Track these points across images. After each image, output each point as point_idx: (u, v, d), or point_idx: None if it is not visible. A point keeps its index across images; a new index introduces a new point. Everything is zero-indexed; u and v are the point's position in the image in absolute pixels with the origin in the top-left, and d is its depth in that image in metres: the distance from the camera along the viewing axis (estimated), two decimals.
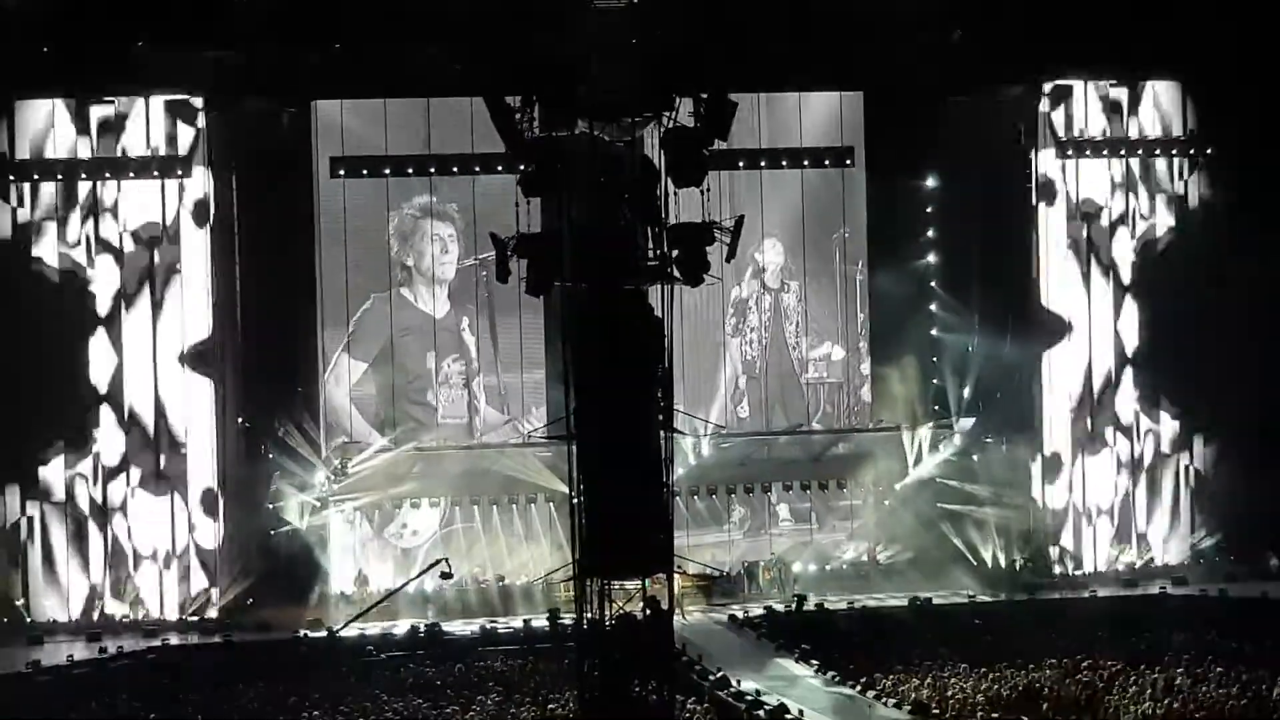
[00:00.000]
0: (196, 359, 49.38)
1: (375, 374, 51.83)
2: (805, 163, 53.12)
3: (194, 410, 49.49)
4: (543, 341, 51.07)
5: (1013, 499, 52.25)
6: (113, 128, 49.02)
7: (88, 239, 49.14)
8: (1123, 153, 52.57)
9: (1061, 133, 52.07)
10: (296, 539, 49.94)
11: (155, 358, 49.30)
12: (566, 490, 29.51)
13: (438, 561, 47.30)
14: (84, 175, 48.88)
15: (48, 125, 48.90)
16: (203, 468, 49.53)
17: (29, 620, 48.66)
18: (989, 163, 51.88)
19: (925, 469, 52.65)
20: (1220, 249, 52.76)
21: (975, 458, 52.74)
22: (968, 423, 52.81)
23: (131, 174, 48.98)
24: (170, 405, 49.38)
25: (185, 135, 49.21)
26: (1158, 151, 52.83)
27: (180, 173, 49.11)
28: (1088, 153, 52.28)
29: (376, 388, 51.82)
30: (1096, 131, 52.28)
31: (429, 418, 52.03)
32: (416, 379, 52.12)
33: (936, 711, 37.48)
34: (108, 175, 48.94)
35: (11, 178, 48.87)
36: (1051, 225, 52.35)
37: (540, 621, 47.23)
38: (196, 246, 49.42)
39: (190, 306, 49.38)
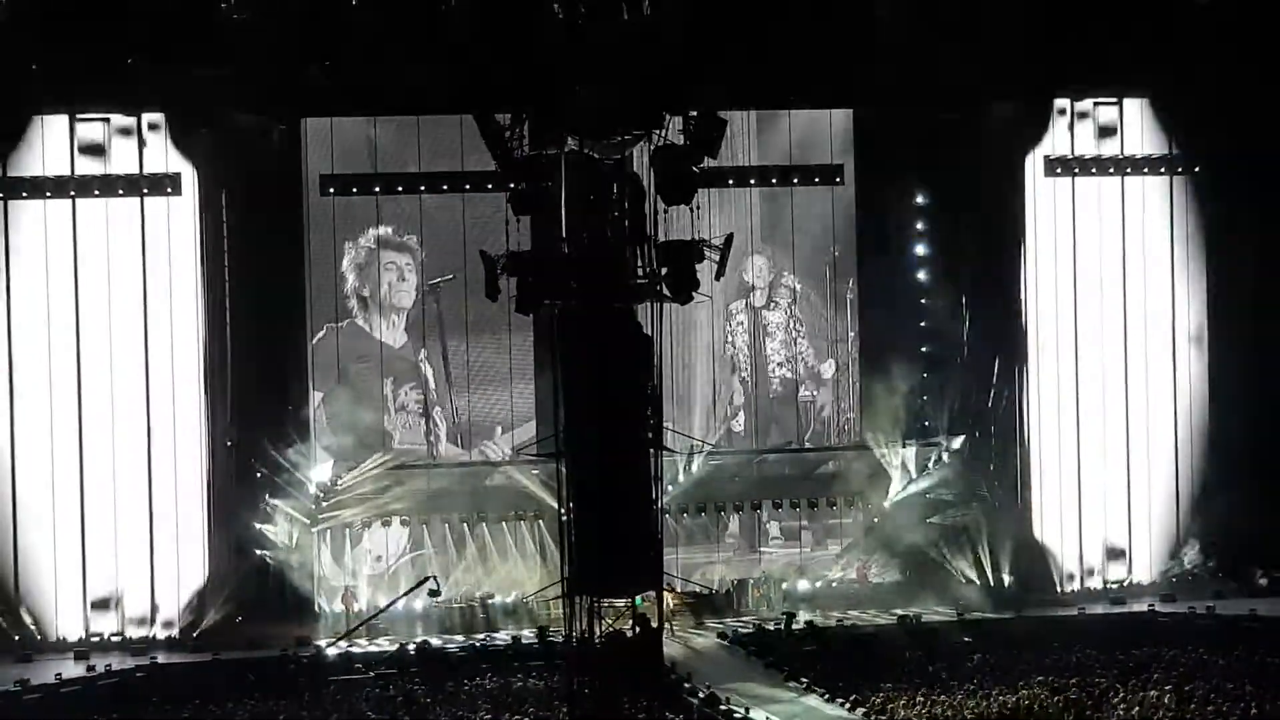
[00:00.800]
0: (184, 377, 49.27)
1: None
2: (795, 180, 53.11)
3: (182, 429, 49.37)
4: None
5: (1001, 516, 52.21)
6: (103, 145, 48.94)
7: (75, 257, 49.01)
8: (1111, 170, 52.63)
9: (1051, 151, 52.15)
10: (285, 557, 49.86)
11: (146, 375, 49.18)
12: (557, 507, 29.51)
13: (426, 579, 47.28)
14: (73, 193, 48.78)
15: (37, 142, 48.79)
16: (191, 486, 49.41)
17: (16, 639, 48.50)
18: (979, 180, 51.83)
19: (913, 487, 52.63)
20: (1211, 264, 52.95)
21: (964, 475, 52.67)
22: (957, 440, 52.81)
23: (120, 191, 48.90)
24: (159, 424, 49.27)
25: (175, 153, 49.13)
26: (1145, 170, 52.91)
27: (170, 190, 49.03)
28: (1076, 171, 52.36)
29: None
30: (1085, 150, 52.35)
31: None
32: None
33: None
34: (97, 193, 48.85)
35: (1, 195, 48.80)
36: (1041, 242, 52.36)
37: (530, 639, 47.21)
38: (186, 265, 49.32)
39: (179, 323, 49.26)
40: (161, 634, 48.98)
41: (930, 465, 52.81)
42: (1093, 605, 50.96)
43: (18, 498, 48.95)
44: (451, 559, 50.95)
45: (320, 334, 51.58)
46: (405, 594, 48.40)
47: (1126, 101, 52.74)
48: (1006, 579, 51.79)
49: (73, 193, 48.82)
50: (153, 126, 49.02)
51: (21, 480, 48.98)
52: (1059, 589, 52.07)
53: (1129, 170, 52.88)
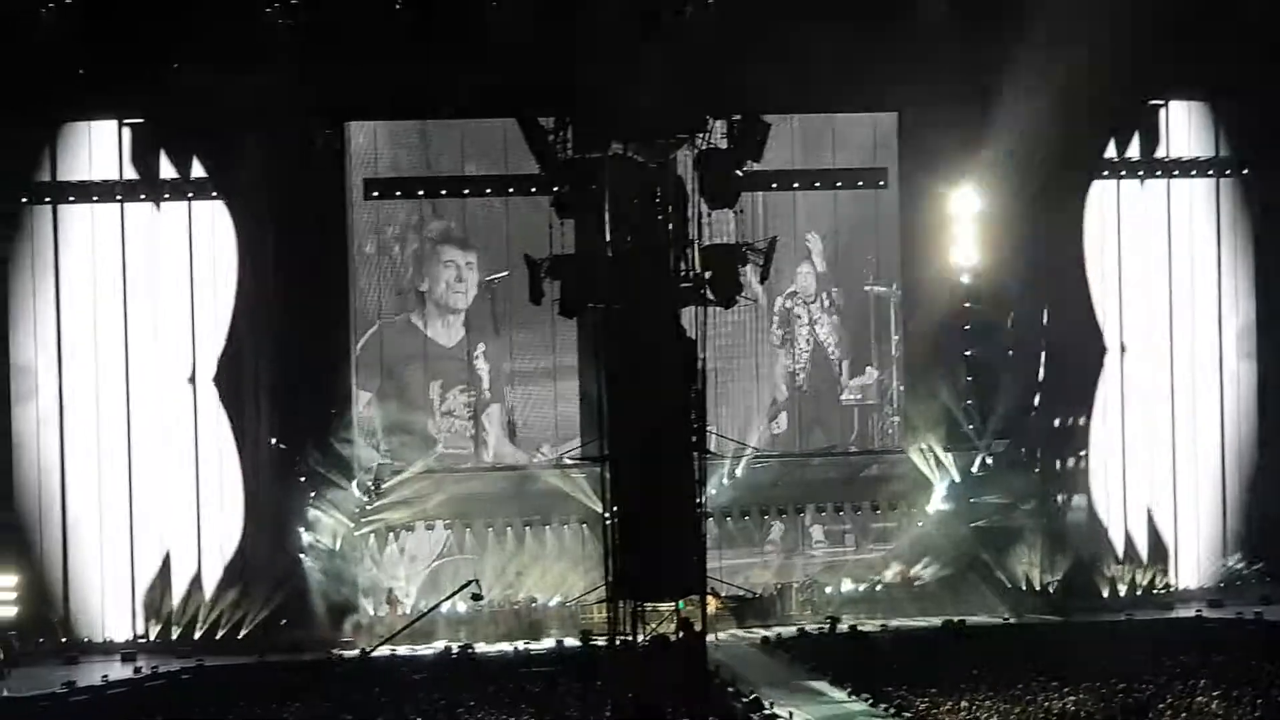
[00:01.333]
0: (229, 380, 49.43)
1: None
2: (838, 184, 52.99)
3: (227, 431, 49.53)
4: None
5: (1047, 520, 52.04)
6: (148, 151, 49.12)
7: (123, 261, 49.21)
8: (1159, 173, 52.42)
9: (1105, 154, 51.97)
10: (329, 560, 49.97)
11: (193, 379, 49.35)
12: (601, 511, 29.49)
13: (468, 583, 47.28)
14: (119, 197, 48.99)
15: (85, 148, 49.02)
16: (234, 489, 49.56)
17: (64, 640, 48.71)
18: (1018, 182, 51.48)
19: (957, 491, 52.48)
20: (1259, 267, 52.75)
21: (1010, 479, 52.50)
22: (1001, 444, 52.66)
23: (167, 195, 49.10)
24: (205, 427, 49.42)
25: (222, 157, 49.27)
26: (1194, 172, 52.68)
27: (215, 194, 49.19)
28: (1123, 173, 52.12)
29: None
30: (1134, 152, 52.15)
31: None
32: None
33: None
34: (143, 197, 49.04)
35: (48, 199, 48.98)
36: (1090, 244, 52.15)
37: (573, 643, 47.19)
38: (230, 268, 49.47)
39: (224, 327, 49.43)
40: (206, 636, 49.05)
41: (974, 470, 52.62)
42: (1140, 610, 50.72)
43: (67, 501, 49.16)
44: (495, 562, 50.94)
45: (372, 329, 51.61)
46: (448, 597, 48.40)
47: (1173, 104, 52.48)
48: (1052, 583, 51.58)
49: (119, 197, 49.04)
50: (198, 131, 49.11)
51: (71, 483, 49.21)
52: (1107, 593, 51.81)
53: (1176, 173, 52.62)
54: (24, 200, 49.21)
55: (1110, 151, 52.34)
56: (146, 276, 49.53)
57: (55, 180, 49.19)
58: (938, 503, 52.72)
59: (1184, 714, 37.32)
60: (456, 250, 51.93)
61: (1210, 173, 52.98)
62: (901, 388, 53.56)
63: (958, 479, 52.56)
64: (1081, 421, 52.50)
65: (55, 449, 49.39)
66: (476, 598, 47.38)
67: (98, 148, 49.22)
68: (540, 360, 51.95)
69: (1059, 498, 52.46)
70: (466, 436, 52.16)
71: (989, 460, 52.63)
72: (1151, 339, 52.98)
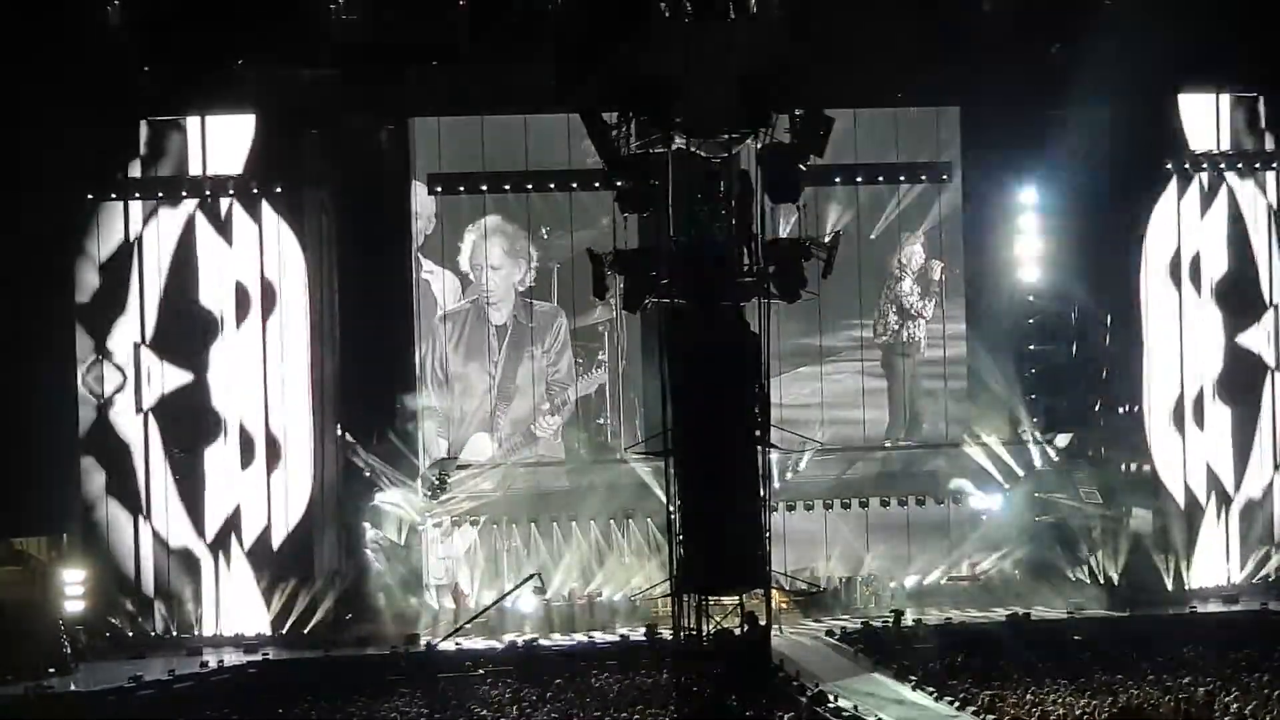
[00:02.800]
0: (294, 375, 49.72)
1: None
2: (901, 178, 52.99)
3: (292, 425, 49.83)
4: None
5: (1112, 513, 51.91)
6: (212, 146, 49.46)
7: (194, 257, 49.60)
8: (1222, 166, 52.12)
9: (1169, 147, 51.76)
10: (394, 554, 50.20)
11: (265, 374, 49.70)
12: (665, 504, 29.53)
13: (531, 576, 47.50)
14: (185, 193, 49.32)
15: (153, 145, 49.39)
16: (301, 483, 49.83)
17: (130, 635, 49.08)
18: (1084, 175, 51.26)
19: (1021, 485, 52.40)
20: None
21: (1074, 471, 52.38)
22: (1064, 437, 52.55)
23: (231, 192, 49.39)
24: (272, 422, 49.75)
25: (283, 153, 49.56)
26: (1258, 165, 52.35)
27: (279, 190, 49.47)
28: (1187, 166, 51.86)
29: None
30: (1198, 145, 51.87)
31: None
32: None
33: None
34: (208, 194, 49.37)
35: (113, 195, 49.35)
36: (1155, 239, 51.93)
37: (638, 637, 47.29)
38: (295, 264, 49.75)
39: (289, 322, 49.73)
40: (273, 631, 49.38)
41: (1037, 465, 52.52)
42: (1205, 604, 50.53)
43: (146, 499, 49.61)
44: (560, 556, 51.10)
45: (438, 319, 51.93)
46: (511, 591, 48.62)
47: (1230, 96, 52.23)
48: (1118, 578, 51.45)
49: (185, 193, 49.31)
50: (262, 127, 49.39)
51: (142, 475, 49.60)
52: (1172, 586, 51.63)
53: (1240, 166, 52.31)
54: (94, 197, 49.49)
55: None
56: (219, 271, 49.76)
57: (125, 178, 49.43)
58: (1002, 497, 52.58)
59: (1250, 706, 37.21)
60: (520, 243, 52.17)
61: (1275, 166, 52.52)
62: (966, 382, 53.51)
63: (1021, 473, 52.45)
64: (1147, 416, 52.20)
65: (140, 441, 49.75)
66: (538, 591, 47.70)
67: (165, 145, 49.49)
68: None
69: (1123, 493, 52.21)
70: (531, 429, 52.45)
71: (1053, 455, 52.48)
72: (1211, 333, 52.57)
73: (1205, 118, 51.97)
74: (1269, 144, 52.41)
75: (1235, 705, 37.43)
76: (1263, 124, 52.33)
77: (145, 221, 49.50)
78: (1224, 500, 52.25)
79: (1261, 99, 52.24)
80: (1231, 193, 52.17)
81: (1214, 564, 52.16)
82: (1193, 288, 52.01)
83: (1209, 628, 47.18)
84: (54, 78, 46.01)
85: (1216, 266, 52.29)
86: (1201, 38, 48.43)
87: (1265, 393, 52.71)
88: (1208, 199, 51.98)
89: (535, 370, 52.47)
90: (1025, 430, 52.88)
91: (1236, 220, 52.25)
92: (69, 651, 46.96)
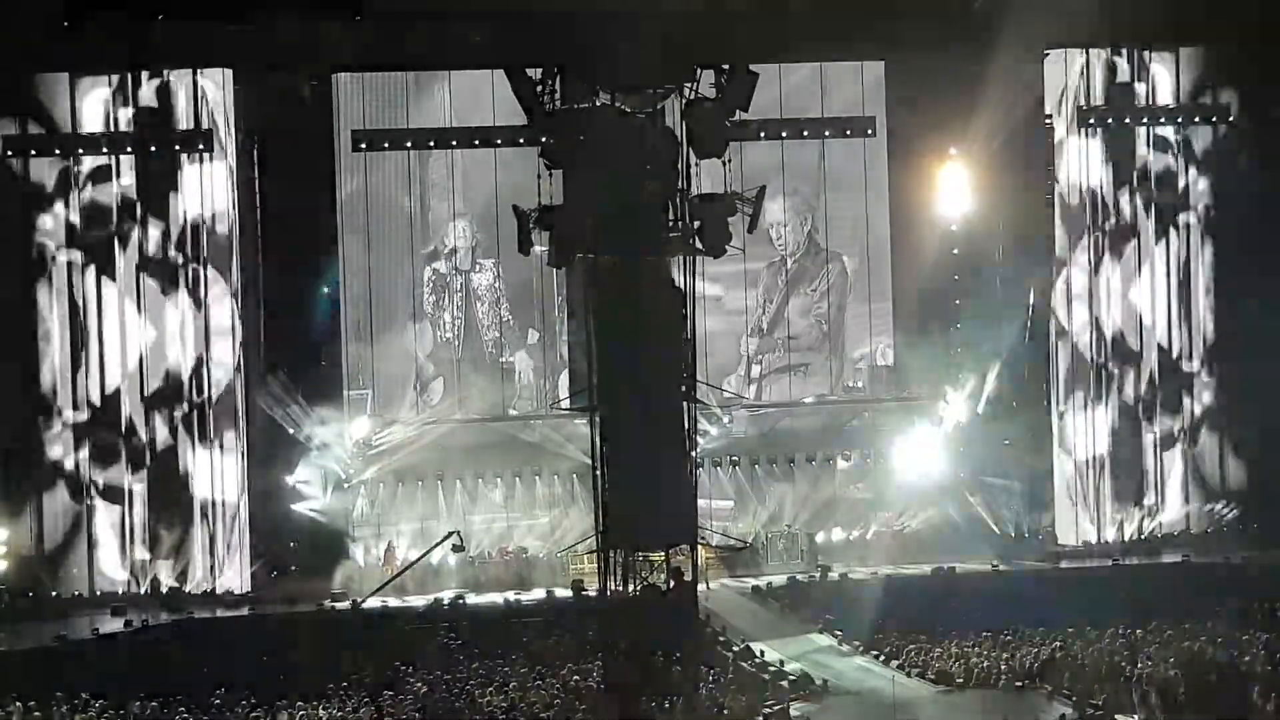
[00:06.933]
0: (220, 332, 49.50)
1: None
2: (826, 133, 53.00)
3: (219, 384, 49.59)
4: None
5: (1032, 466, 52.22)
6: (135, 103, 49.10)
7: (118, 212, 49.27)
8: (1144, 121, 52.47)
9: (1081, 102, 52.01)
10: (321, 512, 50.07)
11: (182, 331, 49.44)
12: (590, 461, 29.54)
13: (450, 534, 47.44)
14: (105, 150, 48.96)
15: (70, 102, 48.98)
16: (228, 443, 49.64)
17: (54, 595, 48.80)
18: (1010, 133, 51.40)
19: (945, 439, 52.63)
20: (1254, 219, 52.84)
21: (999, 428, 52.60)
22: (986, 389, 52.71)
23: (154, 148, 49.04)
24: (200, 380, 49.51)
25: (207, 110, 49.25)
26: (1180, 120, 52.74)
27: (203, 147, 49.15)
28: (1109, 122, 52.15)
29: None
30: (1109, 101, 52.23)
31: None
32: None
33: (960, 681, 37.62)
34: (128, 150, 49.02)
35: (34, 152, 48.96)
36: (1072, 199, 52.23)
37: (564, 593, 47.31)
38: (222, 220, 49.48)
39: (214, 279, 49.49)
40: (200, 590, 49.21)
41: (963, 419, 52.70)
42: (1127, 557, 50.89)
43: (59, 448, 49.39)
44: (485, 513, 51.08)
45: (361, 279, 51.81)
46: (431, 549, 48.51)
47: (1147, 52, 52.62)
48: (1039, 530, 51.77)
49: (105, 149, 48.95)
50: (183, 83, 49.08)
51: (64, 431, 49.38)
52: (1092, 540, 52.03)
53: (1161, 120, 52.70)
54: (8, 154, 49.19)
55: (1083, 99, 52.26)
56: (147, 227, 49.51)
57: (59, 133, 49.18)
58: (927, 451, 52.73)
59: (1172, 657, 37.54)
60: (445, 201, 52.05)
61: (1197, 119, 52.94)
62: (892, 338, 53.71)
63: (948, 428, 52.65)
64: (1063, 369, 52.63)
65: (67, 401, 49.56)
66: (458, 549, 47.62)
67: (83, 101, 49.09)
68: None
69: (1046, 445, 52.55)
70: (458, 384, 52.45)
71: (979, 410, 52.65)
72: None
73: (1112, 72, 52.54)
74: (1189, 99, 52.78)
75: (1158, 655, 37.80)
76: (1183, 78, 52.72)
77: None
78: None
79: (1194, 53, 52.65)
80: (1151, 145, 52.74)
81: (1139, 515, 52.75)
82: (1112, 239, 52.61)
83: (1132, 580, 47.53)
84: None
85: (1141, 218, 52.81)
86: None
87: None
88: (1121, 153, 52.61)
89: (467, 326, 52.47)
90: (953, 384, 52.99)
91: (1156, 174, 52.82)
92: None
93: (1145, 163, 52.84)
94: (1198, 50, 52.72)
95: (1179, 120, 52.90)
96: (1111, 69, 52.38)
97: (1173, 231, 53.24)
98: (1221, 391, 53.63)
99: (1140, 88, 52.55)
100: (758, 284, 53.56)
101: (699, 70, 29.07)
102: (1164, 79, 52.70)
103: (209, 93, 49.27)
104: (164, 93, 49.20)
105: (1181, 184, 53.18)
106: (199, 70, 49.14)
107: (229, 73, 49.33)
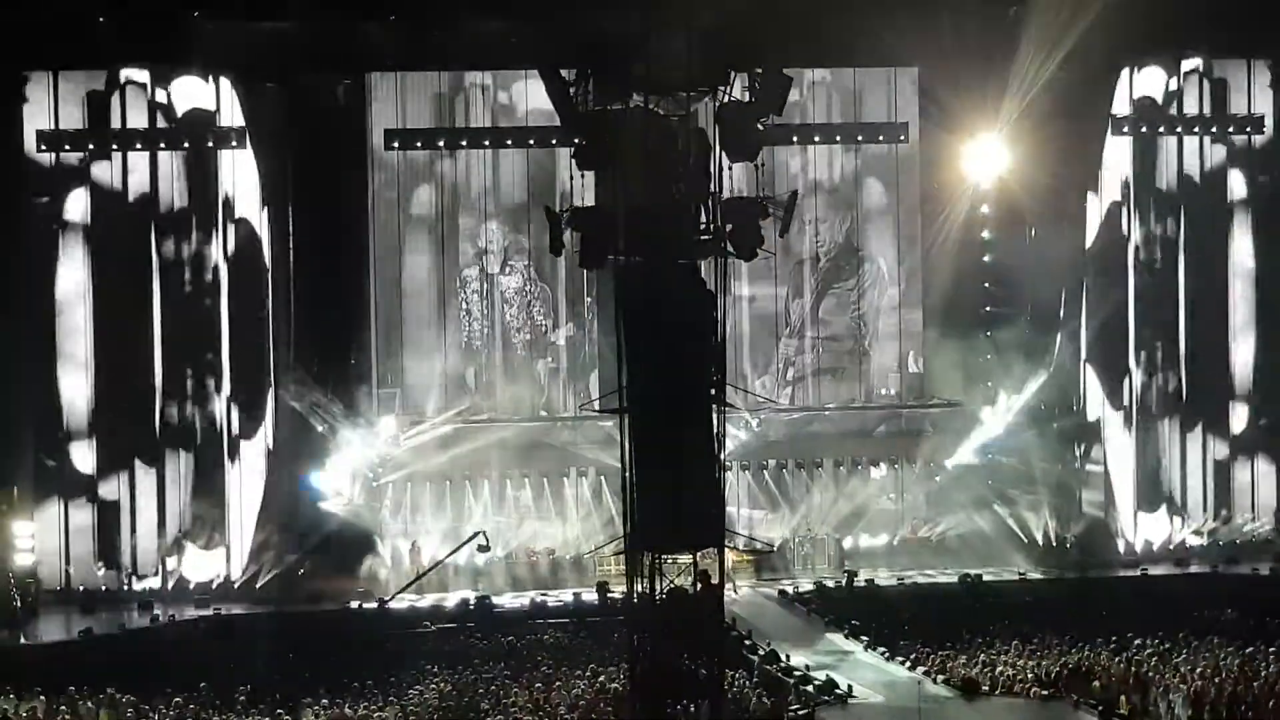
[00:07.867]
0: (249, 329, 49.55)
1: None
2: (859, 138, 52.97)
3: (246, 382, 49.64)
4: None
5: (1063, 477, 52.10)
6: (170, 100, 49.19)
7: (153, 209, 49.32)
8: (1183, 130, 52.37)
9: (1125, 111, 51.90)
10: (348, 510, 50.08)
11: (215, 327, 49.49)
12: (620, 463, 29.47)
13: (475, 534, 47.45)
14: (139, 146, 49.04)
15: (104, 97, 49.06)
16: (256, 439, 49.71)
17: (80, 589, 48.84)
18: (1046, 139, 51.23)
19: (976, 447, 52.52)
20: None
21: (1029, 437, 52.48)
22: (1019, 399, 52.61)
23: (187, 145, 49.13)
24: (227, 377, 49.59)
25: (241, 109, 49.30)
26: (1231, 130, 52.67)
27: (235, 144, 49.23)
28: (1143, 129, 52.04)
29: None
30: (1157, 111, 52.11)
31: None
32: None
33: (986, 689, 37.52)
34: (162, 146, 49.10)
35: (67, 146, 49.03)
36: (1110, 204, 52.11)
37: (590, 595, 47.32)
38: (252, 218, 49.57)
39: (246, 278, 49.54)
40: (225, 586, 49.29)
41: (995, 428, 52.60)
42: (1155, 567, 50.75)
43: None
44: (513, 514, 51.07)
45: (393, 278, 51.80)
46: (456, 550, 48.53)
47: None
48: (1068, 539, 51.64)
49: (139, 145, 49.00)
50: (218, 82, 49.17)
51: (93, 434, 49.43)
52: (1121, 550, 51.89)
53: (1197, 129, 52.58)
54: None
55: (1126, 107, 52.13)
56: (175, 223, 49.58)
57: (89, 129, 49.17)
58: (956, 458, 52.66)
59: (1198, 668, 37.42)
60: (477, 201, 52.13)
61: (1249, 130, 52.91)
62: (922, 344, 53.64)
63: (978, 435, 52.56)
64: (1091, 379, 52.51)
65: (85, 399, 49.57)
66: (483, 549, 47.66)
67: (116, 96, 49.17)
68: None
69: (1077, 454, 52.43)
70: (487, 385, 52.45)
71: (1009, 418, 52.54)
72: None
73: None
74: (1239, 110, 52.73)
75: (1185, 667, 37.67)
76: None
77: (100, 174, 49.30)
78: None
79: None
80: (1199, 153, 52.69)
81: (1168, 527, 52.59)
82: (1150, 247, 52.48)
83: (1160, 590, 47.42)
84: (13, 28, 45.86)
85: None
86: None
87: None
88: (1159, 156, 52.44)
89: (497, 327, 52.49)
90: (982, 391, 52.91)
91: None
92: (19, 605, 46.74)
93: (1185, 169, 52.76)
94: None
95: (1213, 129, 52.78)
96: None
97: (1221, 237, 53.08)
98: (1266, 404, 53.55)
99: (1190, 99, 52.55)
100: (794, 281, 53.48)
101: (732, 74, 29.02)
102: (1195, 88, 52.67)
103: (244, 90, 49.32)
104: (199, 89, 49.24)
105: (1226, 191, 53.13)
106: (234, 68, 49.18)
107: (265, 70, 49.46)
